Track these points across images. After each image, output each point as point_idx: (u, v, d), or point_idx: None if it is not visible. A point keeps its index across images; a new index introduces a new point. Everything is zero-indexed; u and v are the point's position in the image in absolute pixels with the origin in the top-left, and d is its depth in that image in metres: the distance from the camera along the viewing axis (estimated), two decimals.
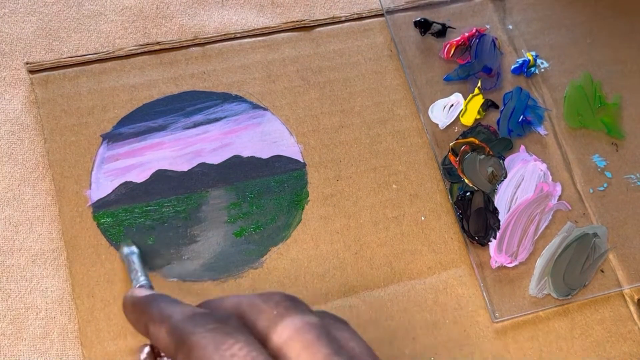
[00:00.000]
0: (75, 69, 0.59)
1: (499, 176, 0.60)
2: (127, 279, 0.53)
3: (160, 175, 0.57)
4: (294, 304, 0.39)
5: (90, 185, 0.56)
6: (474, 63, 0.64)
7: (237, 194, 0.57)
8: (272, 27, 0.63)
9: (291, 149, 0.59)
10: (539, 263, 0.58)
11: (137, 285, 0.50)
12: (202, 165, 0.57)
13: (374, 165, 0.60)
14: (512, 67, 0.64)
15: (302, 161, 0.59)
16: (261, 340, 0.37)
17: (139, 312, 0.43)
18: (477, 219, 0.58)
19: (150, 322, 0.41)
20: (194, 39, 0.61)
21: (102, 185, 0.56)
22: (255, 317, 0.39)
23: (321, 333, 0.37)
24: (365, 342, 0.39)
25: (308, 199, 0.58)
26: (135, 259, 0.52)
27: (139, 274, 0.51)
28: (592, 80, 0.65)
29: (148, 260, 0.54)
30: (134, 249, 0.53)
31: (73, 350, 0.52)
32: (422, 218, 0.59)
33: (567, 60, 0.66)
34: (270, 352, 0.37)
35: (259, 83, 0.61)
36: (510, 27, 0.66)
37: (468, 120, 0.62)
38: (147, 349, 0.44)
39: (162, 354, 0.44)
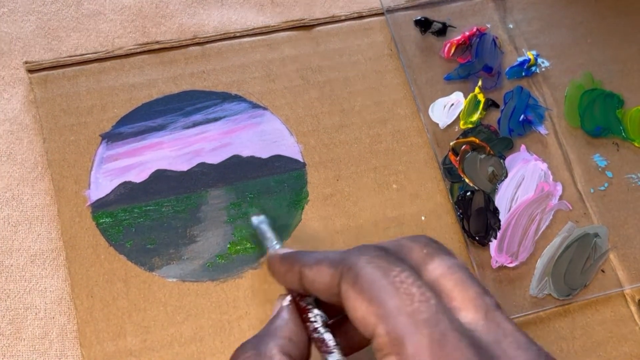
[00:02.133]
0: (74, 68, 0.59)
1: (499, 176, 0.60)
2: (127, 279, 0.53)
3: (160, 175, 0.57)
4: (440, 246, 0.41)
5: (89, 185, 0.56)
6: (475, 62, 0.64)
7: (237, 194, 0.57)
8: (272, 26, 0.63)
9: (291, 148, 0.59)
10: (540, 263, 0.58)
11: (272, 250, 0.50)
12: (202, 165, 0.57)
13: (374, 165, 0.59)
14: (508, 68, 0.64)
15: (302, 161, 0.59)
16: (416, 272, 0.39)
17: (290, 262, 0.44)
18: (477, 219, 0.58)
19: (304, 266, 0.42)
20: (193, 38, 0.61)
21: (101, 185, 0.56)
22: (404, 255, 0.40)
23: (469, 273, 0.39)
24: None
25: (308, 198, 0.58)
26: (266, 227, 0.54)
27: (273, 240, 0.52)
28: (593, 79, 0.65)
29: (148, 260, 0.54)
30: (262, 217, 0.55)
31: (72, 350, 0.52)
32: (423, 218, 0.58)
33: (567, 60, 0.66)
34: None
35: (259, 82, 0.60)
36: (511, 26, 0.66)
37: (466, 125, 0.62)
38: (289, 297, 0.45)
39: (309, 308, 0.44)
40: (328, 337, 0.42)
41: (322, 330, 0.42)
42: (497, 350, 0.36)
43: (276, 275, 0.46)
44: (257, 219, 0.55)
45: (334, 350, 0.41)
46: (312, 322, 0.43)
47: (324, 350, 0.41)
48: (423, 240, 0.42)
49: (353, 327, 0.39)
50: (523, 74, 0.64)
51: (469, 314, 0.38)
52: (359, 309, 0.37)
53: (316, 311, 0.43)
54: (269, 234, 0.53)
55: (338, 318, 0.44)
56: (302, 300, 0.44)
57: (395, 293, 0.37)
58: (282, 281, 0.46)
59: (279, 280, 0.46)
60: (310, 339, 0.43)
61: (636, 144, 0.63)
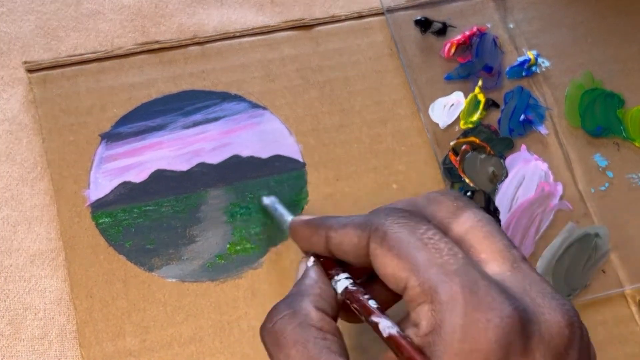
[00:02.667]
0: (73, 68, 0.59)
1: (499, 176, 0.60)
2: (127, 280, 0.53)
3: (159, 175, 0.57)
4: (469, 200, 0.42)
5: (88, 185, 0.56)
6: (475, 62, 0.64)
7: (237, 193, 0.57)
8: (272, 26, 0.63)
9: (291, 148, 0.59)
10: (540, 263, 0.58)
11: (290, 220, 0.50)
12: (201, 165, 0.57)
13: (374, 165, 0.59)
14: (508, 68, 0.64)
15: (301, 161, 0.59)
16: (441, 230, 0.40)
17: (316, 226, 0.45)
18: None
19: (330, 230, 0.43)
20: (193, 38, 0.61)
21: (101, 185, 0.56)
22: (435, 207, 0.42)
23: (498, 227, 0.41)
24: None
25: (308, 198, 0.58)
26: (278, 205, 0.54)
27: (286, 215, 0.52)
28: (593, 79, 0.65)
29: (147, 260, 0.54)
30: (273, 198, 0.55)
31: (72, 351, 0.52)
32: None
33: (568, 59, 0.66)
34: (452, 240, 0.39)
35: (259, 82, 0.60)
36: (511, 25, 0.66)
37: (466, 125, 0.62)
38: (312, 258, 0.45)
39: (331, 270, 0.44)
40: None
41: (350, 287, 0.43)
42: (525, 297, 0.37)
43: (301, 240, 0.47)
44: (268, 199, 0.55)
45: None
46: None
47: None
48: (453, 194, 0.43)
49: (378, 287, 0.42)
50: (523, 73, 0.64)
51: (496, 265, 0.39)
52: (389, 265, 0.39)
53: (342, 274, 0.44)
54: (282, 209, 0.53)
55: (363, 280, 0.44)
56: (326, 262, 0.45)
57: (424, 248, 0.38)
58: (307, 245, 0.46)
59: (303, 244, 0.47)
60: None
61: (637, 144, 0.63)
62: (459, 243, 0.40)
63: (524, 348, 0.36)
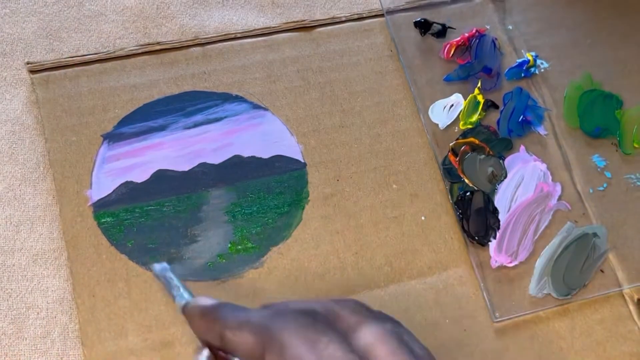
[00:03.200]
0: (76, 69, 0.59)
1: (499, 176, 0.61)
2: (129, 279, 0.54)
3: (161, 175, 0.57)
4: (368, 311, 0.41)
5: (91, 185, 0.56)
6: (474, 63, 0.64)
7: (238, 194, 0.57)
8: (273, 27, 0.63)
9: (292, 149, 0.59)
10: (539, 263, 0.58)
11: (183, 301, 0.48)
12: (203, 165, 0.58)
13: (374, 165, 0.60)
14: (507, 69, 0.65)
15: (302, 161, 0.59)
16: (346, 339, 0.38)
17: (211, 321, 0.43)
18: (477, 219, 0.59)
19: (226, 328, 0.41)
20: (194, 39, 0.61)
21: (103, 185, 0.56)
22: (332, 320, 0.40)
23: (400, 341, 0.39)
24: (419, 341, 0.41)
25: (308, 198, 0.58)
26: (172, 275, 0.52)
27: (181, 289, 0.50)
28: (592, 80, 0.65)
29: (149, 260, 0.54)
30: (165, 265, 0.54)
31: (74, 350, 0.52)
32: (423, 218, 0.59)
33: (567, 61, 0.66)
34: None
35: (260, 83, 0.61)
36: (510, 27, 0.66)
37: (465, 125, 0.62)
38: (205, 352, 0.44)
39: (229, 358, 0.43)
40: None
41: None
42: None
43: (196, 331, 0.45)
44: (160, 266, 0.54)
45: None
46: None
47: None
48: (351, 305, 0.41)
49: None
50: (522, 75, 0.65)
51: None
52: None
53: None
54: (176, 282, 0.51)
55: None
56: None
57: None
58: (201, 338, 0.44)
59: (198, 335, 0.45)
60: None
61: (635, 145, 0.63)
62: (365, 354, 0.38)
63: None
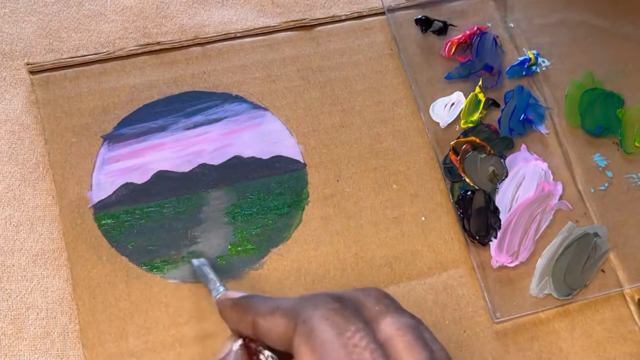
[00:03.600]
0: (75, 69, 0.59)
1: (500, 175, 0.61)
2: (129, 281, 0.54)
3: (161, 177, 0.57)
4: (391, 302, 0.42)
5: (91, 186, 0.56)
6: (475, 61, 0.64)
7: (238, 194, 0.57)
8: (273, 26, 0.63)
9: (291, 149, 0.59)
10: (540, 263, 0.58)
11: (218, 294, 0.50)
12: (203, 166, 0.58)
13: (374, 165, 0.60)
14: (509, 67, 0.65)
15: (302, 161, 0.59)
16: (370, 329, 0.40)
17: (242, 310, 0.44)
18: (478, 219, 0.59)
19: (258, 315, 0.42)
20: (194, 39, 0.61)
21: (103, 187, 0.56)
22: (358, 308, 0.41)
23: (418, 336, 0.40)
24: (439, 341, 0.42)
25: (308, 199, 0.58)
26: (208, 270, 0.53)
27: (217, 283, 0.51)
28: (594, 78, 0.65)
29: (149, 261, 0.55)
30: (203, 260, 0.54)
31: (74, 350, 0.52)
32: (423, 218, 0.59)
33: (568, 59, 0.66)
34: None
35: (259, 83, 0.61)
36: (512, 25, 0.66)
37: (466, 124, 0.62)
38: (240, 341, 0.45)
39: (259, 349, 0.44)
40: None
41: None
42: None
43: (228, 321, 0.46)
44: (198, 262, 0.54)
45: None
46: None
47: None
48: (375, 294, 0.42)
49: None
50: (524, 73, 0.65)
51: None
52: None
53: (267, 353, 0.44)
54: (212, 275, 0.52)
55: None
56: (252, 342, 0.44)
57: (347, 357, 0.37)
58: (234, 328, 0.46)
59: (230, 326, 0.46)
60: None
61: (637, 144, 0.63)
62: (385, 345, 0.39)
63: None
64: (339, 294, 0.42)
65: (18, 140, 0.57)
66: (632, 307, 0.58)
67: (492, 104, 0.63)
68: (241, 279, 0.55)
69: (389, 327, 0.40)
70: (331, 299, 0.41)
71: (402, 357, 0.39)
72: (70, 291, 0.54)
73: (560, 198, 0.61)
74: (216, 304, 0.48)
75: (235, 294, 0.47)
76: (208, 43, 0.62)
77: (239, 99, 0.60)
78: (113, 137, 0.58)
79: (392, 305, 0.42)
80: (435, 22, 0.65)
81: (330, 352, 0.38)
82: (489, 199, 0.59)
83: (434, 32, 0.65)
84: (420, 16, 0.65)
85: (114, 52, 0.60)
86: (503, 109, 0.63)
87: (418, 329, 0.40)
